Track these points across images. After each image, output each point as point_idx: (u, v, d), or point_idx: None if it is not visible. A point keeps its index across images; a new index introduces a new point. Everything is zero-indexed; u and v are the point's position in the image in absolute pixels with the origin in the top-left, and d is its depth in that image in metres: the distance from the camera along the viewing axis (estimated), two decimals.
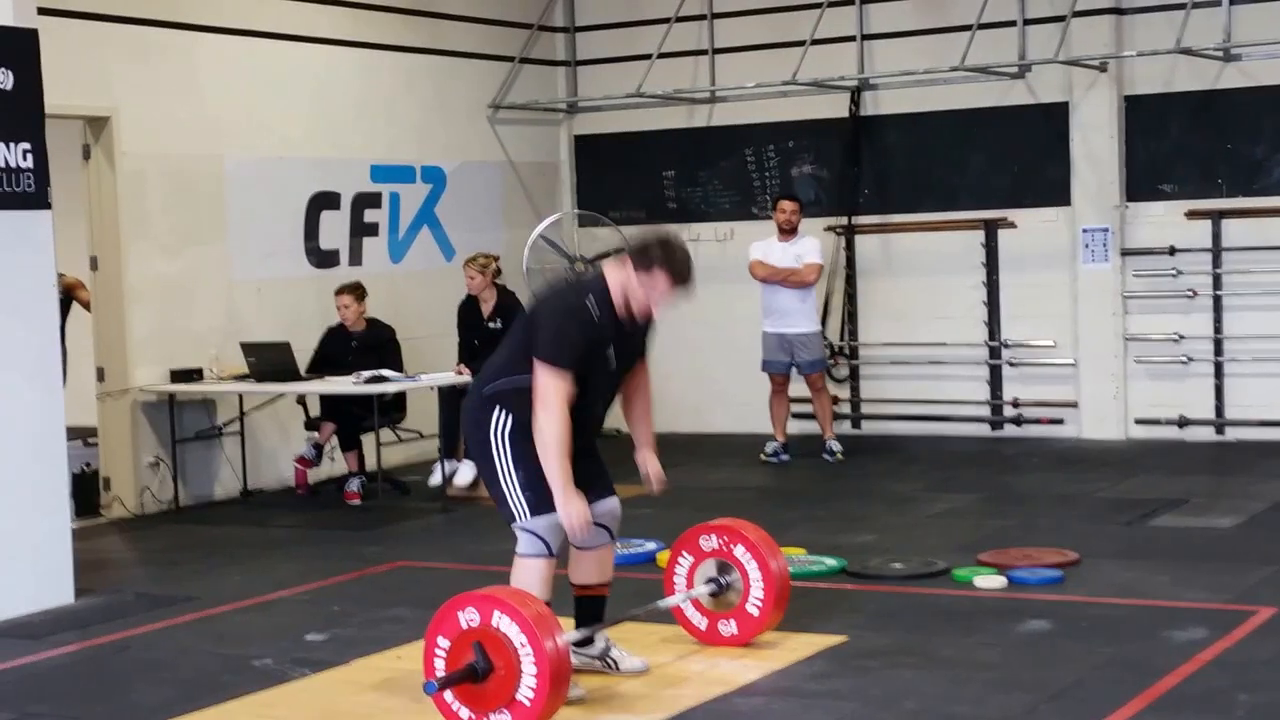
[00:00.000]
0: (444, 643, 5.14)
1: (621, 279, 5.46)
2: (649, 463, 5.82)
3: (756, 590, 6.00)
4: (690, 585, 6.09)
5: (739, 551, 6.05)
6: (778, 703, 5.39)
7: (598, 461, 5.68)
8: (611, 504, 5.68)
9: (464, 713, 5.10)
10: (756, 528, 6.16)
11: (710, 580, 6.06)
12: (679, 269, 5.44)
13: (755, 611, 6.01)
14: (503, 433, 5.45)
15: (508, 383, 5.45)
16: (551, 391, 5.29)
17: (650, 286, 5.42)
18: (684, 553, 6.15)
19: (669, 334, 12.09)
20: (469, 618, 5.10)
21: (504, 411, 5.45)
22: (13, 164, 7.10)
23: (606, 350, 5.46)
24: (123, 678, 6.14)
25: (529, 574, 5.43)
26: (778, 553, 6.10)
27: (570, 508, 5.28)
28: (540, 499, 5.39)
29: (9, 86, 7.09)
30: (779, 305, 10.69)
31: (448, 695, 5.11)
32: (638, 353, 5.69)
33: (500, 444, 5.45)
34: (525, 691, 4.99)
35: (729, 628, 6.06)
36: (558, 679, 5.00)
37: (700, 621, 6.11)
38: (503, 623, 5.03)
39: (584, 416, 5.45)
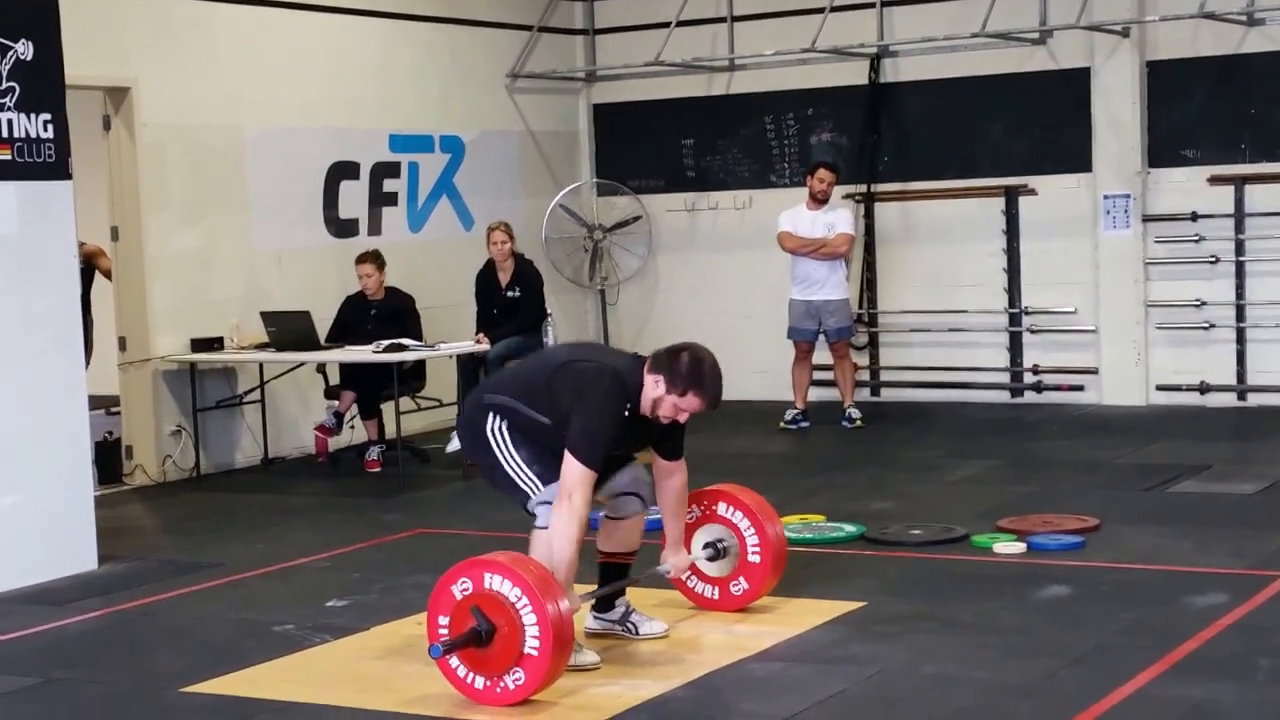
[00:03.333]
0: (444, 620, 5.15)
1: (652, 394, 5.39)
2: (674, 558, 5.85)
3: (752, 543, 5.96)
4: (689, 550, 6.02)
5: (731, 513, 6.01)
6: (796, 668, 5.40)
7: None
8: (631, 473, 5.67)
9: (479, 682, 5.12)
10: (748, 490, 6.11)
11: (708, 545, 6.01)
12: (712, 393, 5.41)
13: (757, 559, 5.95)
14: (498, 429, 5.47)
15: (511, 405, 5.46)
16: (578, 485, 5.25)
17: (681, 405, 5.39)
18: (693, 506, 6.04)
19: (688, 303, 12.22)
20: (462, 588, 5.11)
21: (499, 417, 5.48)
22: (33, 135, 7.11)
23: (631, 440, 5.50)
24: (145, 644, 6.18)
25: (548, 548, 5.38)
26: (770, 511, 6.04)
27: (567, 602, 5.14)
28: (548, 470, 5.38)
29: (29, 57, 7.10)
30: (809, 273, 10.66)
31: (460, 669, 5.12)
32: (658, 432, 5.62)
33: (497, 436, 5.46)
34: (531, 644, 4.99)
35: (739, 586, 6.02)
36: (561, 626, 4.99)
37: (710, 590, 6.08)
38: (494, 582, 5.04)
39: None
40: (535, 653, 5.00)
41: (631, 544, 5.78)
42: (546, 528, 5.39)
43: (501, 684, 5.08)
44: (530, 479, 5.44)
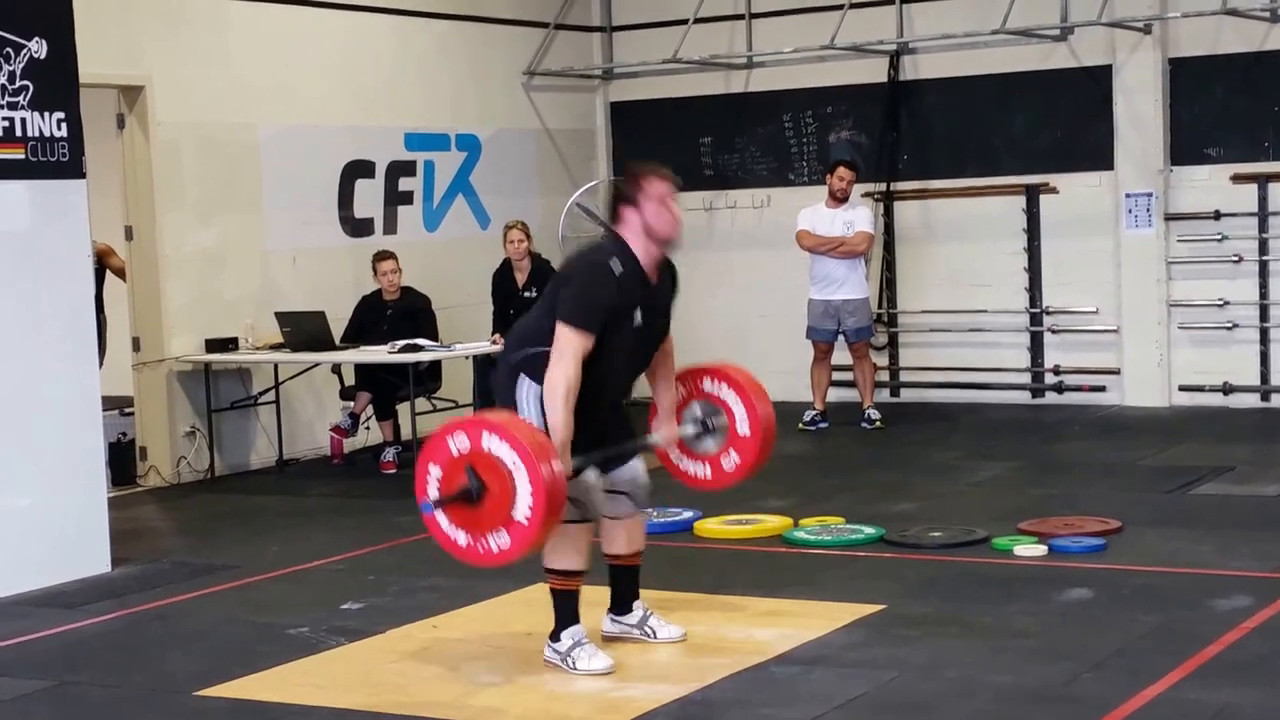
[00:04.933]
0: (435, 470, 5.08)
1: (635, 225, 5.42)
2: (664, 427, 5.74)
3: (740, 415, 5.81)
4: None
5: (717, 388, 5.86)
6: (815, 671, 5.34)
7: (624, 427, 5.61)
8: (631, 470, 5.58)
9: (461, 538, 5.06)
10: (734, 365, 5.98)
11: (695, 421, 5.84)
12: (651, 169, 5.48)
13: (746, 431, 5.80)
14: (528, 402, 5.38)
15: (535, 350, 5.39)
16: (568, 347, 5.22)
17: (653, 203, 5.41)
18: (677, 385, 5.89)
19: (707, 301, 12.16)
20: (459, 444, 5.04)
21: (531, 380, 5.39)
22: (47, 133, 7.09)
23: (633, 311, 5.39)
24: (159, 646, 6.14)
25: (564, 538, 5.35)
26: (757, 386, 5.91)
27: (560, 464, 5.10)
28: (578, 456, 5.30)
29: (43, 56, 7.08)
30: (828, 272, 10.61)
31: (444, 521, 5.06)
32: (664, 314, 5.59)
33: (527, 403, 5.37)
34: (522, 510, 4.93)
35: (730, 460, 5.87)
36: (554, 494, 4.93)
37: (701, 470, 5.92)
38: (493, 444, 4.97)
39: (610, 382, 5.39)
40: (525, 520, 4.94)
41: (632, 545, 5.71)
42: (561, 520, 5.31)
43: (484, 544, 5.03)
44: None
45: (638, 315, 5.41)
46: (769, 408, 5.88)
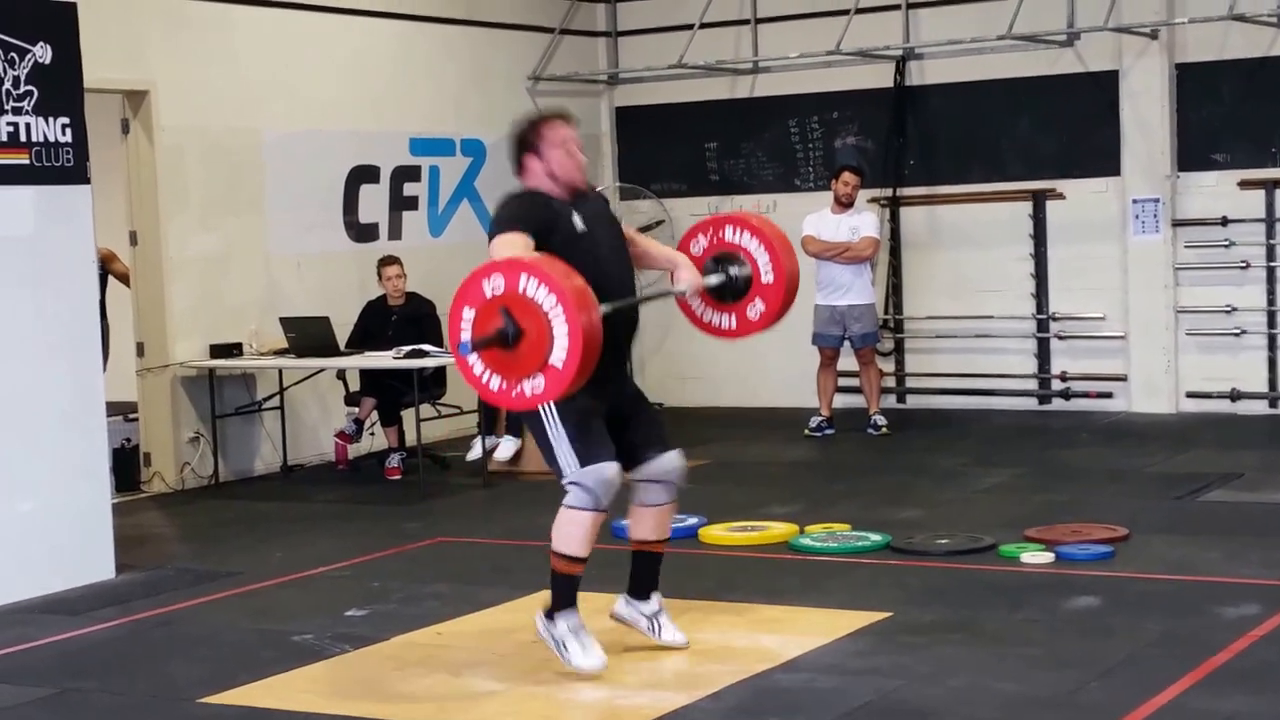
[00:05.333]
0: (469, 312, 5.01)
1: (539, 172, 5.41)
2: (687, 274, 5.63)
3: (764, 263, 5.75)
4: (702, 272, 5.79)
5: (739, 236, 5.81)
6: (822, 679, 5.32)
7: (648, 416, 5.58)
8: (666, 461, 5.53)
9: (494, 382, 5.00)
10: (755, 214, 5.95)
11: (719, 269, 5.76)
12: (551, 113, 5.52)
13: (770, 278, 5.73)
14: (550, 410, 5.33)
15: None
16: (504, 247, 5.18)
17: (556, 149, 5.40)
18: (699, 235, 5.91)
19: None
20: (494, 285, 4.96)
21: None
22: (52, 139, 7.08)
23: (569, 215, 5.36)
24: (163, 653, 6.12)
25: (574, 525, 5.32)
26: (780, 233, 5.84)
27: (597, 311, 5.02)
28: (589, 451, 5.29)
29: (48, 61, 7.06)
30: (833, 278, 10.59)
31: (477, 366, 5.00)
32: (610, 220, 5.57)
33: (545, 407, 5.33)
34: (558, 354, 4.86)
35: (756, 309, 5.81)
36: (591, 339, 4.86)
37: (726, 320, 5.87)
38: (529, 286, 4.90)
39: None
40: (560, 364, 4.87)
41: (661, 532, 5.66)
42: (574, 507, 5.31)
43: (519, 388, 4.97)
44: (569, 456, 5.32)
45: (577, 220, 5.39)
46: (793, 255, 5.83)
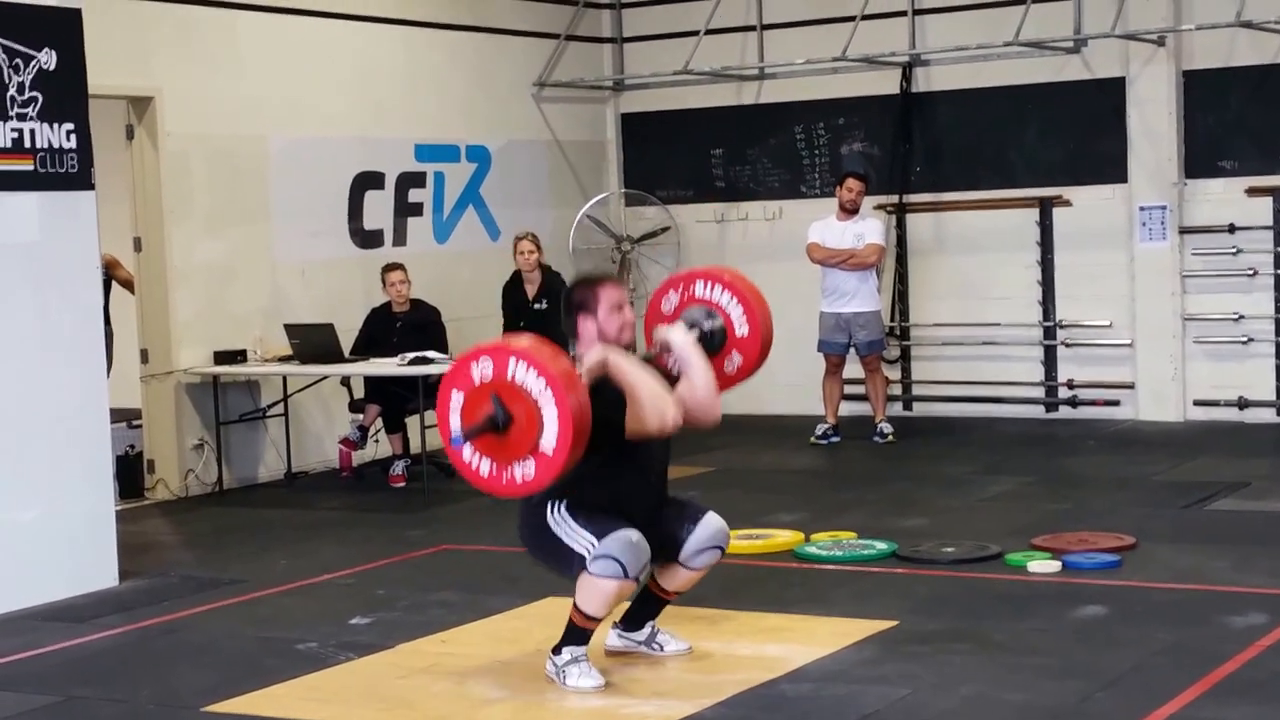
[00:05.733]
0: (457, 396, 5.04)
1: (591, 333, 5.36)
2: (665, 330, 5.59)
3: (737, 315, 5.76)
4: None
5: (710, 291, 5.81)
6: (827, 688, 5.29)
7: (675, 501, 5.57)
8: (709, 525, 5.50)
9: (484, 467, 5.03)
10: (725, 268, 5.95)
11: (692, 325, 5.72)
12: (603, 278, 5.46)
13: (745, 330, 5.74)
14: (558, 511, 5.29)
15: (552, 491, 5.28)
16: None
17: (611, 312, 5.36)
18: (670, 293, 5.90)
19: None
20: (482, 370, 4.99)
21: (556, 500, 5.29)
22: (56, 145, 7.07)
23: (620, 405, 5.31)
24: (167, 661, 6.10)
25: (598, 591, 5.22)
26: (750, 284, 5.85)
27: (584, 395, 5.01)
28: (604, 527, 5.21)
29: (52, 67, 7.05)
30: (838, 285, 10.56)
31: (467, 452, 5.02)
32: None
33: (557, 519, 5.28)
34: (548, 439, 4.89)
35: (732, 363, 5.80)
36: (580, 421, 4.89)
37: None
38: (519, 371, 4.93)
39: (641, 463, 5.36)
40: (550, 449, 4.90)
41: (685, 588, 5.66)
42: (600, 576, 5.20)
43: (509, 473, 5.00)
44: (586, 540, 5.23)
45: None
46: (765, 306, 5.84)
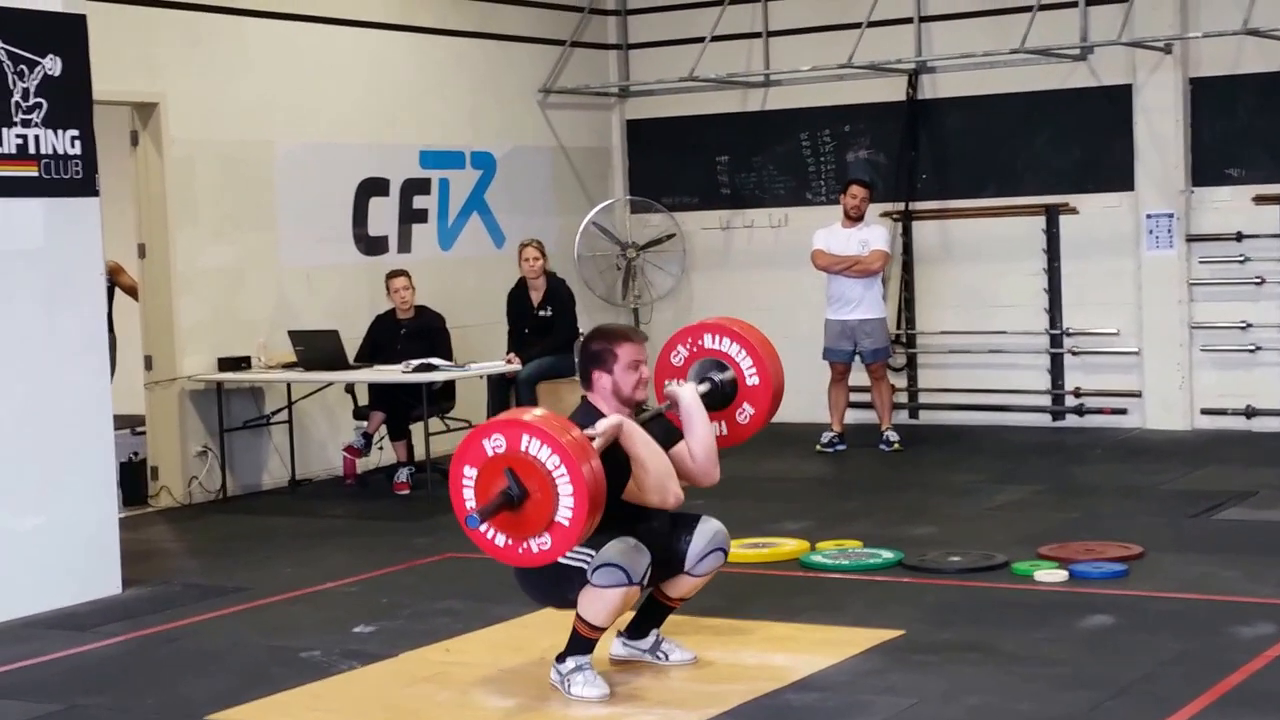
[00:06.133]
0: (470, 471, 5.04)
1: (606, 388, 5.37)
2: (675, 386, 5.59)
3: (747, 367, 5.76)
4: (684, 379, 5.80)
5: (719, 343, 5.81)
6: (834, 698, 5.27)
7: (671, 515, 5.52)
8: (707, 530, 5.51)
9: (500, 539, 5.03)
10: (734, 319, 5.94)
11: (703, 380, 5.76)
12: (623, 334, 5.43)
13: (756, 380, 5.74)
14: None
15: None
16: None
17: (624, 368, 5.35)
18: (679, 346, 5.89)
19: None
20: (495, 445, 5.00)
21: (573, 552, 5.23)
22: (60, 151, 7.05)
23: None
24: (170, 669, 6.08)
25: (602, 601, 5.20)
26: (759, 333, 5.86)
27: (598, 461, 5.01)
28: (599, 541, 5.17)
29: (57, 73, 7.04)
30: (843, 292, 10.53)
31: (484, 526, 5.03)
32: (668, 433, 5.52)
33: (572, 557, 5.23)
34: (564, 513, 4.90)
35: (745, 414, 5.80)
36: (596, 495, 4.90)
37: (717, 428, 5.79)
38: (532, 445, 4.93)
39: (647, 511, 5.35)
40: (566, 522, 4.91)
41: (690, 594, 5.66)
42: (603, 585, 5.19)
43: (525, 546, 5.01)
44: (584, 555, 5.20)
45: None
46: (775, 355, 5.85)
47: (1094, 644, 5.84)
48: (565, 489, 4.89)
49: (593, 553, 5.19)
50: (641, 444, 5.24)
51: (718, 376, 5.78)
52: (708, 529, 5.54)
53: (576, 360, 5.46)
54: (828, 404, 10.77)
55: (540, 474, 4.92)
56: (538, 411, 5.14)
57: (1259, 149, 10.75)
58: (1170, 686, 5.23)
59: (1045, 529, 7.76)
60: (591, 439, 5.07)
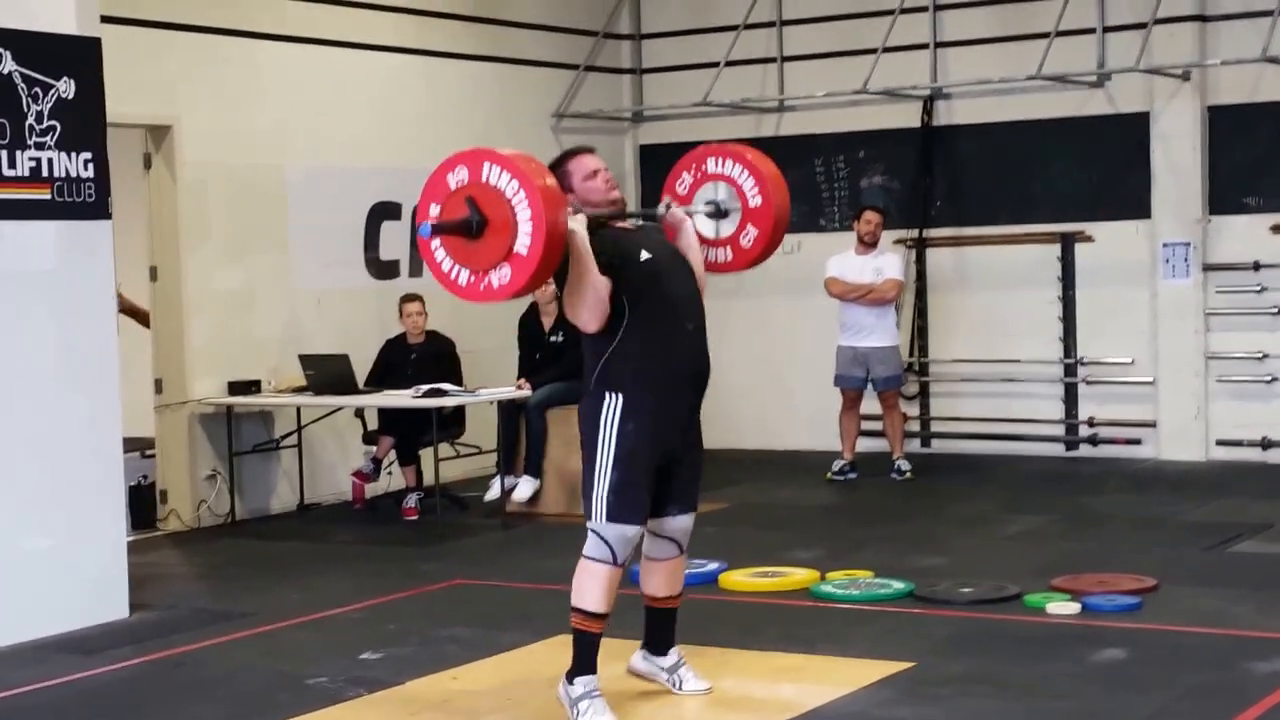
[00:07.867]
0: (435, 208, 5.03)
1: (574, 203, 5.37)
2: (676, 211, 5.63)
3: (750, 187, 5.74)
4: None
5: (722, 166, 5.81)
6: None
7: (692, 473, 5.52)
8: (684, 521, 5.55)
9: (462, 276, 5.02)
10: (734, 144, 5.95)
11: (708, 202, 5.77)
12: (566, 153, 5.50)
13: (759, 200, 5.73)
14: (613, 420, 5.28)
15: (608, 356, 5.30)
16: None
17: (576, 180, 5.40)
18: (684, 173, 5.89)
19: (737, 347, 12.02)
20: (458, 177, 4.99)
21: (615, 395, 5.30)
22: (73, 173, 7.04)
23: (636, 250, 5.35)
24: (177, 695, 6.04)
25: (590, 577, 5.31)
26: (761, 155, 5.84)
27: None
28: (621, 508, 5.25)
29: (71, 95, 7.04)
30: (856, 320, 10.50)
31: (446, 263, 5.01)
32: (673, 253, 5.53)
33: (608, 435, 5.29)
34: (522, 241, 4.87)
35: (748, 236, 5.79)
36: (554, 224, 4.87)
37: (721, 254, 5.85)
38: (493, 174, 4.92)
39: (668, 329, 5.36)
40: (525, 251, 4.88)
41: (673, 588, 5.64)
42: (591, 558, 5.29)
43: (486, 280, 4.98)
44: (601, 504, 5.28)
45: (643, 253, 5.38)
46: (779, 177, 5.84)
47: (1106, 678, 5.79)
48: (524, 215, 4.86)
49: (605, 515, 5.25)
50: (574, 258, 5.17)
51: (720, 195, 5.79)
52: (685, 521, 5.53)
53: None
54: (839, 432, 10.73)
55: (501, 202, 4.89)
56: (505, 149, 5.08)
57: (1277, 177, 10.72)
58: None
59: (1058, 560, 7.70)
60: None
